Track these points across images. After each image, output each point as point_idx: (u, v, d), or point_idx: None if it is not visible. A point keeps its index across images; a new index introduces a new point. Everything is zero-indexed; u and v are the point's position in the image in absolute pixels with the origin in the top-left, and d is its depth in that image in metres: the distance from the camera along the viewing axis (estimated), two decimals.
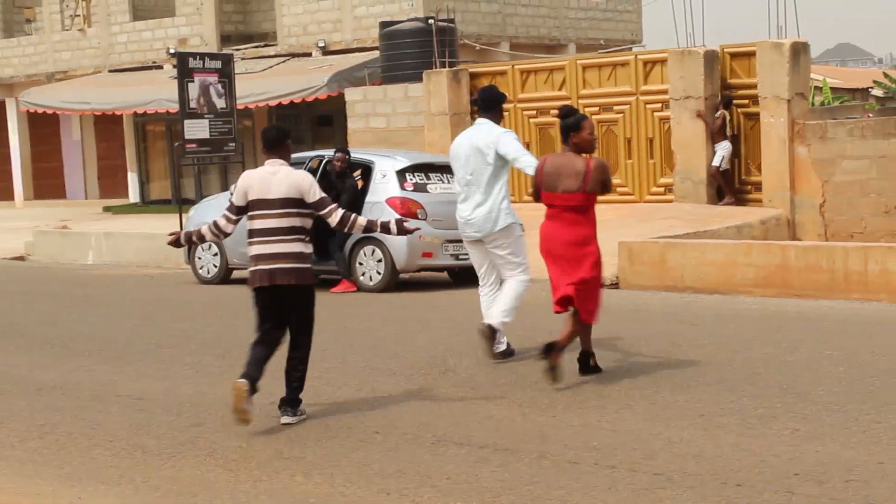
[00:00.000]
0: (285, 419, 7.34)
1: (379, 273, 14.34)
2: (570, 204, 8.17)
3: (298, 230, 7.38)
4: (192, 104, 19.10)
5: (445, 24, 21.97)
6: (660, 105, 18.77)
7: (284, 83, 24.61)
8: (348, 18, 26.13)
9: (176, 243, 7.90)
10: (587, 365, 8.35)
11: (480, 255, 9.24)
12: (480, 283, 9.33)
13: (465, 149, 9.10)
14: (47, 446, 7.13)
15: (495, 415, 7.38)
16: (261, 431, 7.19)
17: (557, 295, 8.21)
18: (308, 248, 7.41)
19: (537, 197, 8.41)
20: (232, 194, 7.66)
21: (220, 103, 19.45)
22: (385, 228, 7.71)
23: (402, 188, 14.46)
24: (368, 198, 14.55)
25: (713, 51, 18.31)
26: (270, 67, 26.33)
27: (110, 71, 30.19)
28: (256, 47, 28.21)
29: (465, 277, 14.23)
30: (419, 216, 14.10)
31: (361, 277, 14.44)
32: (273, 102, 24.66)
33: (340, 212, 7.53)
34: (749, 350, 9.24)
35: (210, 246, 15.66)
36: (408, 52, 21.78)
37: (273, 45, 27.70)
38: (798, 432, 6.65)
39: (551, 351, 7.95)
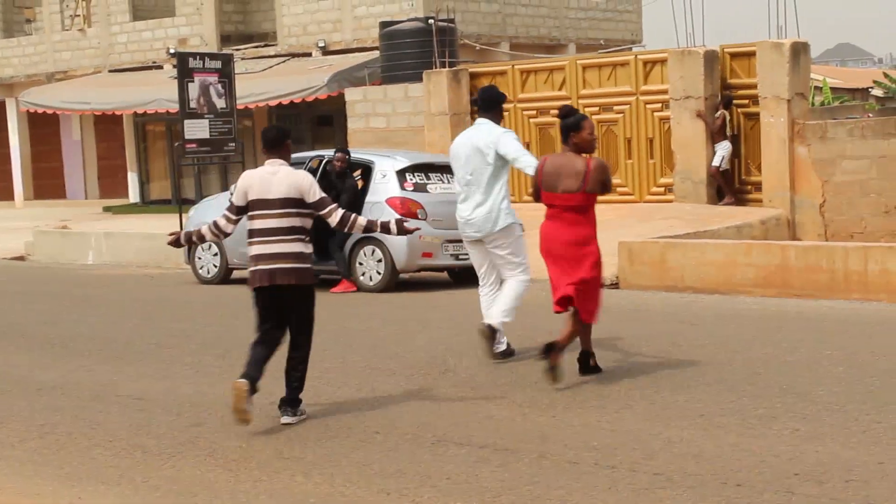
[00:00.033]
0: (285, 419, 7.34)
1: (379, 273, 14.34)
2: (570, 204, 8.17)
3: (298, 230, 7.38)
4: (192, 104, 19.11)
5: (445, 24, 21.97)
6: (660, 105, 18.77)
7: (284, 83, 24.62)
8: (348, 18, 26.14)
9: (176, 243, 7.91)
10: (587, 365, 8.35)
11: (480, 255, 9.24)
12: (480, 283, 9.33)
13: (466, 149, 9.10)
14: (47, 446, 7.13)
15: (495, 415, 7.38)
16: (261, 431, 7.19)
17: (557, 295, 8.21)
18: (308, 248, 7.41)
19: (537, 197, 8.42)
20: (232, 194, 7.67)
21: (220, 103, 19.45)
22: (385, 228, 7.71)
23: (402, 188, 14.46)
24: (368, 198, 14.54)
25: (713, 51, 18.31)
26: (270, 67, 26.34)
27: (110, 71, 30.20)
28: (256, 47, 28.21)
29: (465, 277, 14.23)
30: (419, 216, 14.10)
31: (361, 277, 14.44)
32: (273, 102, 24.66)
33: (340, 212, 7.53)
34: (749, 350, 9.24)
35: (210, 246, 15.66)
36: (408, 53, 21.78)
37: (273, 45, 27.71)
38: (798, 432, 6.65)
39: (551, 351, 7.94)
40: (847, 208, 17.10)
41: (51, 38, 31.90)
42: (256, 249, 7.35)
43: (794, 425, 6.80)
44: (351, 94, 22.40)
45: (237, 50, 27.21)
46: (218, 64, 19.74)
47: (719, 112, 17.91)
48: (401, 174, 14.58)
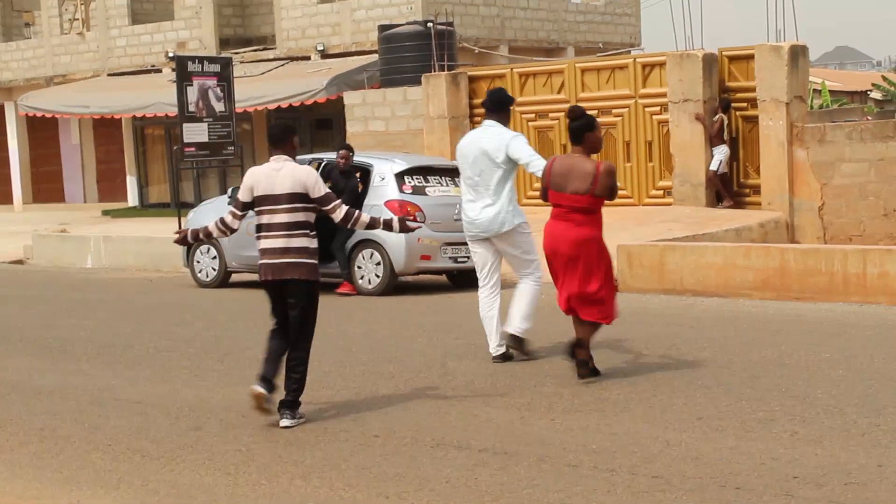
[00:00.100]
0: (284, 422, 7.35)
1: (377, 276, 14.33)
2: (578, 205, 8.26)
3: (304, 225, 7.44)
4: (191, 108, 19.11)
5: (444, 27, 21.98)
6: (658, 108, 18.78)
7: (283, 87, 24.62)
8: (347, 22, 26.15)
9: (183, 241, 7.99)
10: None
11: (485, 254, 9.24)
12: (480, 284, 9.33)
13: (473, 150, 9.17)
14: (46, 450, 7.12)
15: (494, 418, 7.38)
16: (260, 435, 7.19)
17: (561, 300, 8.39)
18: (313, 243, 7.48)
19: (545, 196, 8.50)
20: (231, 197, 7.69)
21: (218, 107, 19.46)
22: (388, 226, 7.82)
23: (401, 191, 14.46)
24: (367, 200, 14.53)
25: (712, 54, 18.32)
26: (269, 71, 26.34)
27: (109, 75, 30.20)
28: (255, 51, 28.21)
29: (463, 280, 14.23)
30: (417, 219, 14.09)
31: (360, 281, 14.43)
32: (272, 106, 24.67)
33: (345, 208, 7.59)
34: (748, 353, 9.24)
35: (208, 249, 15.62)
36: (406, 56, 21.80)
37: (272, 49, 27.72)
38: (797, 435, 6.65)
39: (576, 348, 8.19)
40: (846, 211, 17.11)
41: (50, 42, 31.91)
42: (264, 244, 7.47)
43: (794, 428, 6.80)
44: (350, 98, 22.41)
45: (236, 53, 27.22)
46: (217, 67, 19.75)
47: (717, 116, 17.91)
48: (399, 177, 14.58)
